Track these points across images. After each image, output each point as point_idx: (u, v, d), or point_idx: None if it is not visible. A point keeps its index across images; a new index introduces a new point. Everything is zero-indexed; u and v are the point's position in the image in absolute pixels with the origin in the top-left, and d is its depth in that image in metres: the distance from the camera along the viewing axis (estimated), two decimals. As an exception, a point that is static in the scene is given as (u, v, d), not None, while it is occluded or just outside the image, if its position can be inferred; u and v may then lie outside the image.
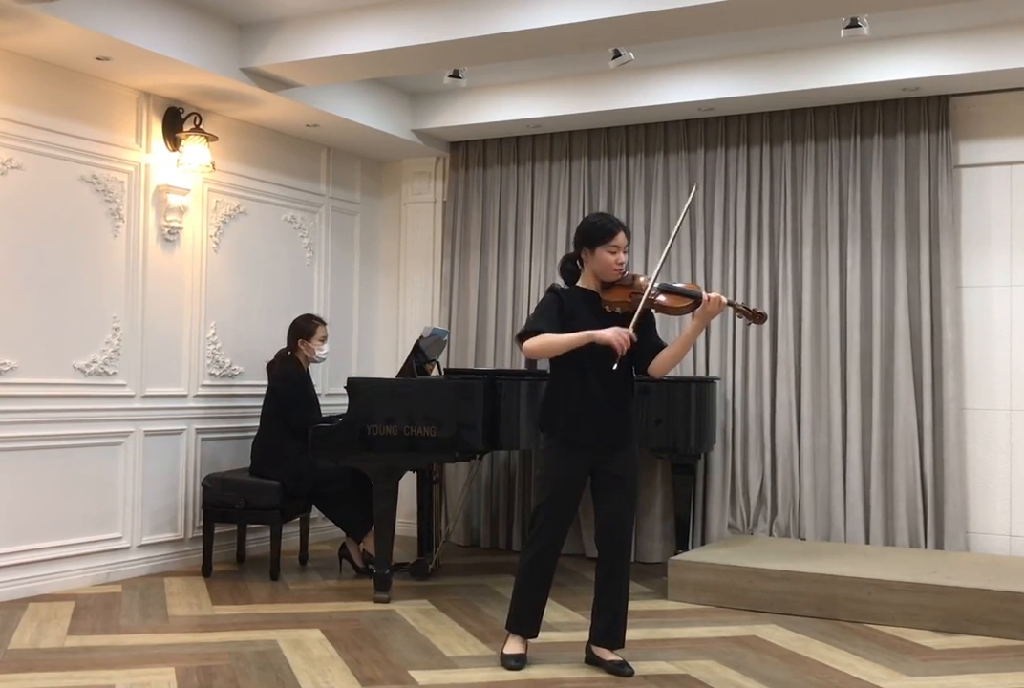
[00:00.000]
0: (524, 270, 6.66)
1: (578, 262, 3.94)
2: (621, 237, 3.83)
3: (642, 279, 3.87)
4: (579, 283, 3.94)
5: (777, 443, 5.92)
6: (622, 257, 3.84)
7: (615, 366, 3.63)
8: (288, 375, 5.63)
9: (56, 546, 5.10)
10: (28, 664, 3.86)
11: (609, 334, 3.62)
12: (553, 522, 3.87)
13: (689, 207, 4.20)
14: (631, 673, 3.82)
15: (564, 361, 3.82)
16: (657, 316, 3.99)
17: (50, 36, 4.67)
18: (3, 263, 4.90)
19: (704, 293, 3.77)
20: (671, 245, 4.05)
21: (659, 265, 3.89)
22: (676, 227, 4.06)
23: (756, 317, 3.85)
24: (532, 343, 3.72)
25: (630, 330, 3.64)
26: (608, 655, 3.90)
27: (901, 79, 5.41)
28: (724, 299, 3.73)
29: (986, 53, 5.22)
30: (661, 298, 3.80)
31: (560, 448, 3.84)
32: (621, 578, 3.93)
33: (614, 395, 3.84)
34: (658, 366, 3.83)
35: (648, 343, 3.85)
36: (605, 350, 3.64)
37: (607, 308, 3.84)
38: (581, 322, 3.76)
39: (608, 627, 3.93)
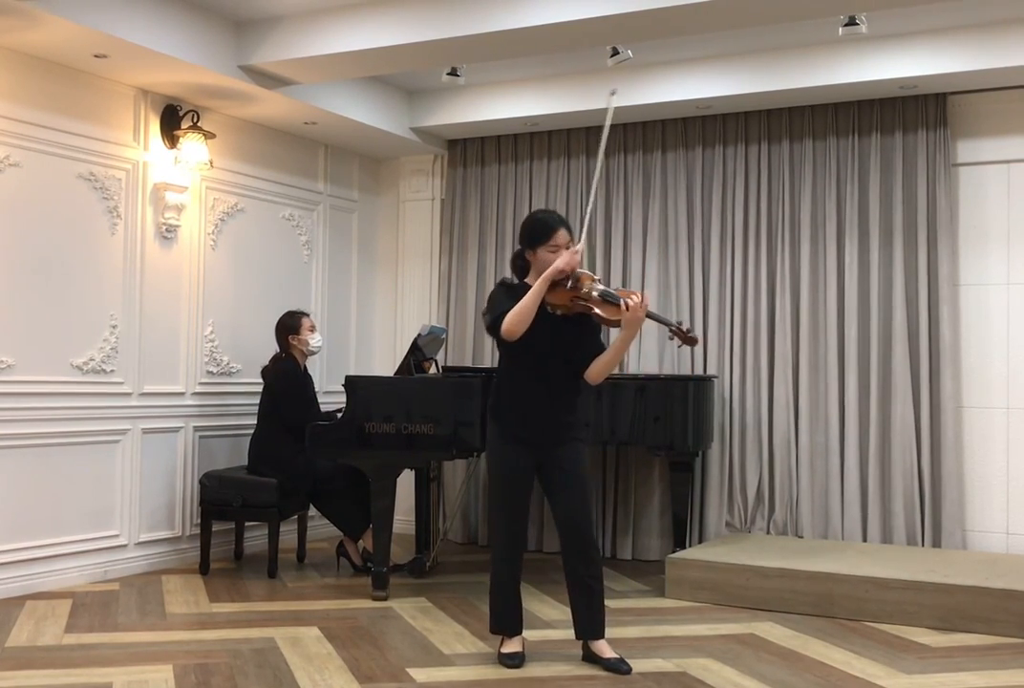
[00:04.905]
0: (522, 268, 6.65)
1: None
2: (562, 235, 3.81)
3: (585, 284, 3.77)
4: (527, 280, 3.92)
5: (775, 441, 5.92)
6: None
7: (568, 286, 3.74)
8: (286, 373, 5.62)
9: (54, 544, 5.10)
10: (25, 662, 3.86)
11: (557, 263, 3.71)
12: (510, 518, 3.90)
13: (611, 117, 4.07)
14: (628, 670, 3.82)
15: (509, 359, 3.87)
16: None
17: (48, 33, 4.66)
18: (0, 261, 4.89)
19: (630, 299, 3.69)
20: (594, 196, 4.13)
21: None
22: (602, 144, 3.99)
23: (687, 339, 3.80)
24: (506, 322, 3.71)
25: (577, 247, 3.76)
26: (606, 652, 3.89)
27: (899, 77, 5.41)
28: (646, 308, 3.70)
29: (984, 51, 5.22)
30: (597, 310, 3.74)
31: (505, 444, 3.86)
32: (591, 569, 3.90)
33: (558, 393, 3.86)
34: (592, 374, 3.84)
35: (589, 346, 3.86)
36: (546, 350, 3.77)
37: (548, 309, 3.79)
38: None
39: (591, 619, 3.91)
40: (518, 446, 3.85)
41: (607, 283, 6.39)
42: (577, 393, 3.94)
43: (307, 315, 5.79)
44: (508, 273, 6.62)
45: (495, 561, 3.95)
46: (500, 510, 3.92)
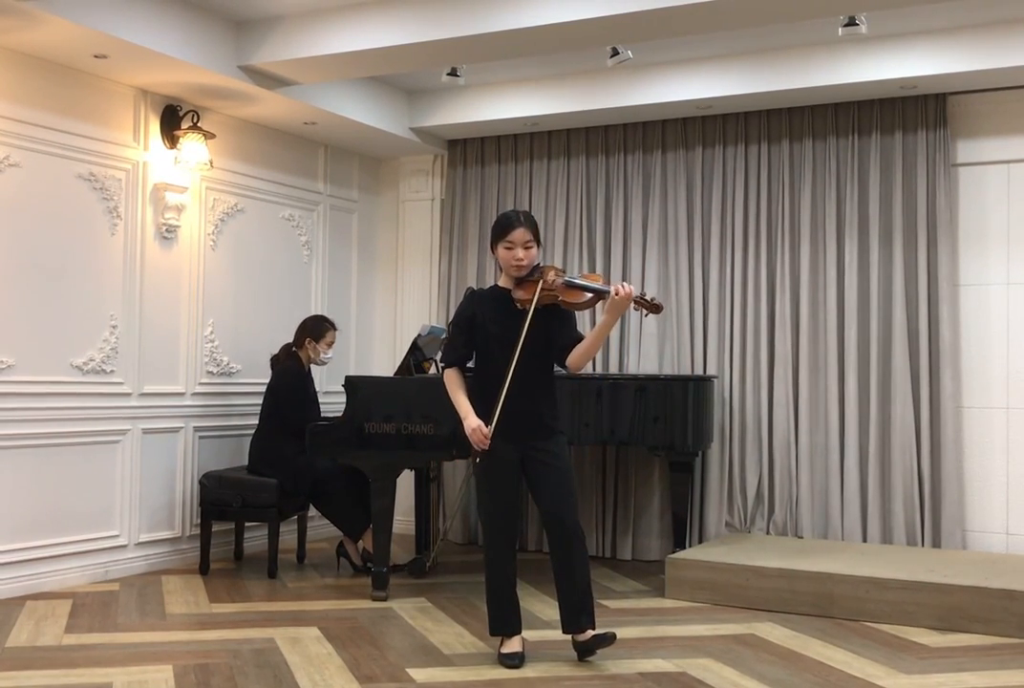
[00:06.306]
0: (522, 268, 6.65)
1: None
2: (519, 233, 3.83)
3: (551, 274, 3.85)
4: (499, 281, 4.00)
5: (775, 441, 5.92)
6: (520, 253, 3.84)
7: (477, 461, 3.85)
8: (287, 373, 5.63)
9: (54, 544, 5.10)
10: (25, 662, 3.86)
11: (467, 430, 3.82)
12: (500, 516, 3.91)
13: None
14: (613, 636, 3.83)
15: (483, 358, 3.91)
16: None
17: (48, 33, 4.66)
18: (0, 261, 4.89)
19: (611, 286, 3.77)
20: None
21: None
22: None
23: (652, 308, 3.87)
24: (445, 380, 3.96)
25: (488, 431, 3.77)
26: (589, 634, 3.88)
27: (899, 77, 5.41)
28: (634, 293, 3.76)
29: (984, 51, 5.22)
30: (562, 297, 3.83)
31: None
32: (578, 563, 3.89)
33: (531, 390, 3.87)
34: (573, 361, 3.88)
35: (566, 337, 3.90)
36: (518, 346, 3.78)
37: (517, 305, 3.86)
38: (491, 326, 3.88)
39: (578, 614, 3.90)
40: (500, 442, 3.84)
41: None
42: (552, 385, 3.99)
43: (335, 329, 5.78)
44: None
45: (488, 562, 3.95)
46: (489, 509, 3.93)
